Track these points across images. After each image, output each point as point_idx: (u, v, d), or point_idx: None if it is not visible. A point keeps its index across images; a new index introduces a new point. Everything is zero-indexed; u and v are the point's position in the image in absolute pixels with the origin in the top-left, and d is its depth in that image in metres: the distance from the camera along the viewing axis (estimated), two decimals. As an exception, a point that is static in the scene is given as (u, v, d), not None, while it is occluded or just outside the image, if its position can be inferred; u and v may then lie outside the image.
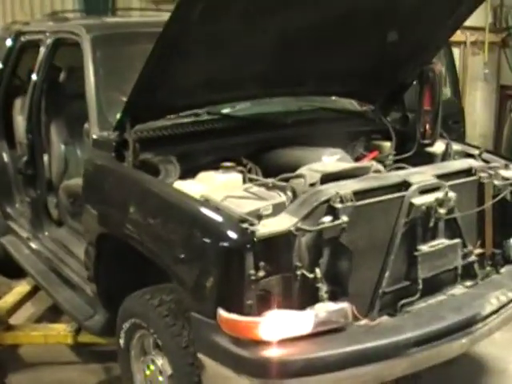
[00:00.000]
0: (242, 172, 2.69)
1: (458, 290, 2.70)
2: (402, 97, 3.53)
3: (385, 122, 3.42)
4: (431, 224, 2.51)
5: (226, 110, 3.42)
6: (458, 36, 5.93)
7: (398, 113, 3.60)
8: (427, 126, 3.28)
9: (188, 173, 2.85)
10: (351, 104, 3.76)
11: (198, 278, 2.28)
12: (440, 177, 2.64)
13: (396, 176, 2.57)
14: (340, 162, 2.94)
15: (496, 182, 2.84)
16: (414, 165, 3.23)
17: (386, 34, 3.17)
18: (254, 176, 2.74)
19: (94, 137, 3.07)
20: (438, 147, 3.29)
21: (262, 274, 2.17)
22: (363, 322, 2.33)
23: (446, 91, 5.17)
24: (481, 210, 2.79)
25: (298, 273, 2.23)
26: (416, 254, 2.50)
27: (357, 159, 3.23)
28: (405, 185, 2.52)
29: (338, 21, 2.87)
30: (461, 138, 5.04)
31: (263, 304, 2.20)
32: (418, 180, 2.53)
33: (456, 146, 3.31)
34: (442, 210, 2.48)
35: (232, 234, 2.16)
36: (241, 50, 2.76)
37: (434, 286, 2.62)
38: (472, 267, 2.77)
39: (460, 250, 2.66)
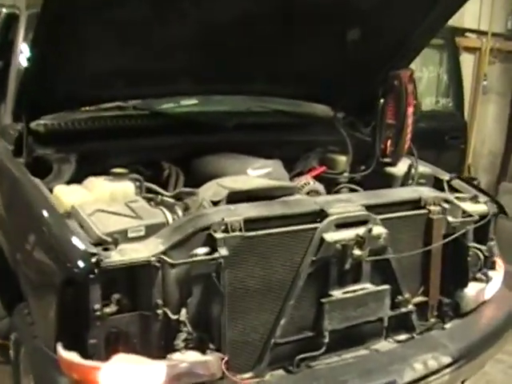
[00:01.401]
0: (137, 180, 2.29)
1: (385, 344, 2.23)
2: (375, 106, 3.04)
3: (341, 132, 2.94)
4: (348, 266, 2.05)
5: (166, 106, 3.03)
6: (474, 41, 5.33)
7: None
8: (388, 143, 2.80)
9: (98, 175, 2.49)
10: (322, 110, 3.29)
11: (41, 304, 1.90)
12: (374, 207, 2.17)
13: (312, 203, 2.11)
14: (268, 176, 2.50)
15: (450, 219, 2.35)
16: (370, 187, 2.78)
17: (345, 31, 2.71)
18: (154, 187, 2.32)
19: (2, 125, 2.73)
20: (401, 168, 2.80)
21: (112, 309, 1.78)
22: (238, 377, 1.89)
23: (447, 102, 4.61)
24: (427, 250, 2.31)
25: (159, 312, 1.82)
26: (323, 300, 2.04)
27: (298, 174, 2.78)
28: (321, 215, 2.06)
29: (278, 12, 2.43)
30: (459, 155, 4.49)
31: (114, 345, 1.80)
32: (337, 210, 2.07)
33: (423, 168, 2.82)
34: (359, 251, 2.01)
35: (74, 261, 1.75)
36: (156, 39, 2.36)
37: (352, 338, 2.16)
38: (408, 318, 2.29)
39: (388, 299, 2.19)
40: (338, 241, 2.01)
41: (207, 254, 1.85)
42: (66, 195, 2.14)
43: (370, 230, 2.04)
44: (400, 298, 2.25)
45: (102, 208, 1.99)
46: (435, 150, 4.61)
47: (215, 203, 2.20)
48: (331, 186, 2.80)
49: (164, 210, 2.05)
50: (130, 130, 2.71)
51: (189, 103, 3.12)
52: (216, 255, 1.83)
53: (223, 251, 1.84)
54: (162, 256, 1.80)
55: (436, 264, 2.34)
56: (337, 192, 2.69)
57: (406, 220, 2.26)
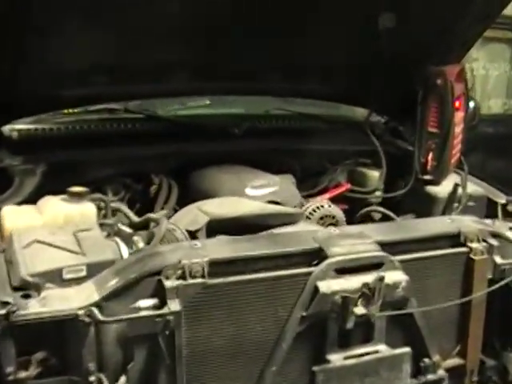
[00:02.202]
0: (101, 201, 1.88)
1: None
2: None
3: (373, 140, 2.42)
4: (351, 324, 1.55)
5: (170, 108, 2.62)
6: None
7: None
8: (430, 156, 2.26)
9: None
10: (356, 113, 2.78)
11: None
12: (393, 245, 1.66)
13: (309, 239, 1.61)
14: (273, 196, 2.03)
15: (499, 260, 1.80)
16: (407, 210, 2.27)
17: (377, 16, 2.19)
18: (125, 209, 1.91)
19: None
20: (445, 187, 2.26)
21: (31, 372, 1.38)
22: None
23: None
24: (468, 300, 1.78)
25: (92, 378, 1.40)
26: (316, 369, 1.56)
27: (318, 193, 2.29)
28: (319, 256, 1.58)
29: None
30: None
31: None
32: (341, 250, 1.57)
33: (474, 188, 2.27)
34: (365, 308, 1.51)
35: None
36: (135, 23, 1.95)
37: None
38: (438, 387, 1.77)
39: (409, 364, 1.67)
40: (336, 292, 1.52)
41: (155, 307, 1.41)
42: (10, 218, 1.75)
43: (381, 279, 1.53)
44: (427, 361, 1.73)
45: (42, 238, 1.60)
46: (504, 159, 3.99)
47: (192, 233, 1.77)
48: (358, 208, 2.30)
49: (119, 242, 1.63)
50: (118, 137, 2.32)
51: (199, 104, 2.69)
52: (164, 310, 1.39)
53: (174, 305, 1.40)
54: (93, 309, 1.38)
55: (478, 316, 1.80)
56: (364, 217, 2.18)
57: (438, 261, 1.74)
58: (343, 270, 1.56)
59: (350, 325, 1.54)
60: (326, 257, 1.56)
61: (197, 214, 1.79)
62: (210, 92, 2.57)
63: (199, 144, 2.34)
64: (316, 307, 1.53)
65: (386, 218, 2.20)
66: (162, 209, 2.15)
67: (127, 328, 1.41)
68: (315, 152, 2.51)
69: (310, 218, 2.02)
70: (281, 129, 2.56)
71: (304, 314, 1.53)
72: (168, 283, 1.41)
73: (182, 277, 1.44)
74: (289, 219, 1.82)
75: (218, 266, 1.48)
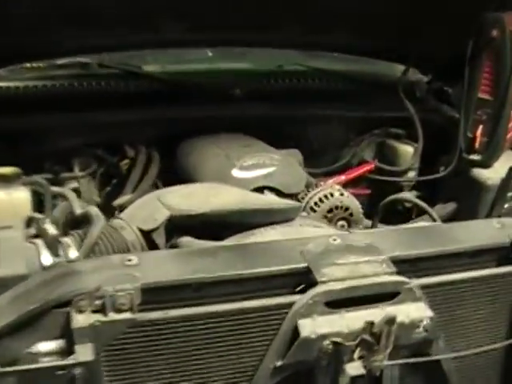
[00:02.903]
0: (39, 185, 1.46)
1: None
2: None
3: (406, 105, 1.90)
4: (345, 379, 1.10)
5: (163, 61, 2.16)
6: None
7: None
8: (479, 130, 1.73)
9: (37, 160, 1.73)
10: (391, 70, 2.24)
11: None
12: (415, 262, 1.19)
13: (295, 254, 1.14)
14: (268, 179, 1.57)
15: None
16: (448, 196, 1.78)
17: None
18: (69, 195, 1.48)
19: None
20: (498, 171, 1.75)
21: None
22: None
23: None
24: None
25: None
26: None
27: (337, 172, 1.81)
28: (306, 279, 1.12)
29: None
30: None
31: None
32: (334, 273, 1.11)
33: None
34: (361, 367, 1.06)
35: None
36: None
37: None
38: None
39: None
40: (325, 336, 1.07)
41: (60, 352, 1.00)
42: None
43: (391, 321, 1.07)
44: (458, 419, 1.27)
45: None
46: None
47: (146, 233, 1.33)
48: (384, 193, 1.82)
49: (41, 247, 1.21)
50: (89, 98, 1.89)
51: (197, 57, 2.22)
52: (69, 360, 0.98)
53: (84, 353, 0.98)
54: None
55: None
56: (388, 207, 1.69)
57: (478, 286, 1.25)
58: (338, 303, 1.10)
59: (344, 381, 1.09)
60: (314, 282, 1.10)
61: (156, 207, 1.35)
62: (210, 44, 2.10)
63: (190, 108, 1.90)
64: (296, 355, 1.08)
65: (418, 210, 1.72)
66: (135, 188, 1.73)
67: (26, 379, 1.00)
68: (336, 119, 2.03)
69: (314, 211, 1.55)
70: (295, 89, 2.06)
71: (279, 363, 1.09)
72: (78, 320, 0.99)
73: (102, 310, 1.02)
74: (279, 216, 1.36)
75: (156, 294, 1.05)
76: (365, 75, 2.14)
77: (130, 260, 1.10)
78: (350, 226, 1.57)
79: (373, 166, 1.79)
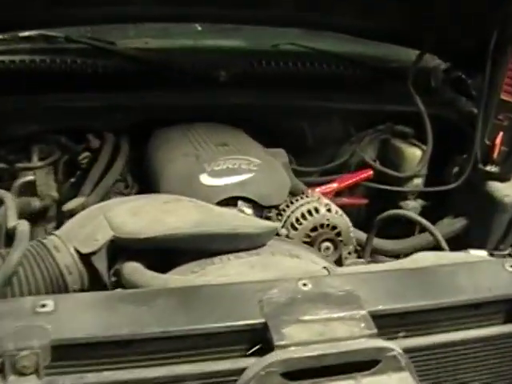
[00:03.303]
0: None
1: None
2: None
3: (416, 101, 1.64)
4: None
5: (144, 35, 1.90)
6: None
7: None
8: (499, 138, 1.47)
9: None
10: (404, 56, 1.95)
11: None
12: (403, 316, 0.95)
13: (251, 302, 0.92)
14: (242, 188, 1.33)
15: None
16: (458, 212, 1.54)
17: None
18: (7, 200, 1.26)
19: None
20: (518, 186, 1.49)
21: None
22: None
23: None
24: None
25: None
26: None
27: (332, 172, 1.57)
28: (262, 341, 0.89)
29: None
30: None
31: None
32: (298, 334, 0.88)
33: None
34: None
35: None
36: None
37: None
38: None
39: None
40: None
41: None
42: None
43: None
44: None
45: None
46: None
47: (84, 256, 1.11)
48: (385, 203, 1.58)
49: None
50: (52, 77, 1.65)
51: (184, 32, 1.95)
52: None
53: None
54: None
55: None
56: (386, 223, 1.44)
57: (481, 346, 1.01)
58: (300, 373, 0.87)
59: None
60: (270, 347, 0.87)
61: (99, 223, 1.12)
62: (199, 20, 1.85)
63: (168, 92, 1.66)
64: None
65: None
66: (96, 186, 1.50)
67: None
68: (336, 111, 1.77)
69: (296, 229, 1.32)
70: (289, 74, 1.80)
71: None
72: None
73: (1, 372, 0.80)
74: (245, 242, 1.13)
75: (71, 353, 0.83)
76: (373, 60, 1.86)
77: (43, 306, 0.88)
78: (336, 248, 1.33)
79: (370, 173, 1.54)
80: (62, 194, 1.62)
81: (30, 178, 1.58)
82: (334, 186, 1.49)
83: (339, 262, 1.34)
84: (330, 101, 1.72)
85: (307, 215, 1.32)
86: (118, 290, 1.03)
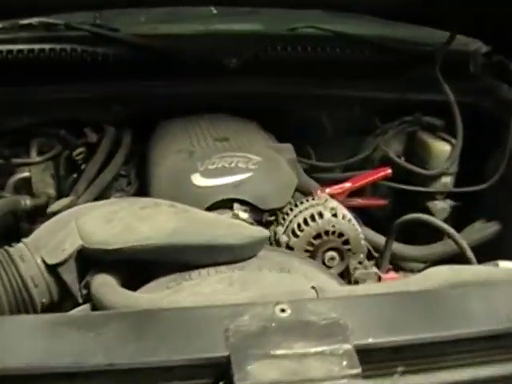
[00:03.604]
0: None
1: None
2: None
3: (444, 89, 1.45)
4: None
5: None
6: None
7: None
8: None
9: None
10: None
11: None
12: (398, 350, 0.80)
13: (216, 331, 0.78)
14: (237, 190, 1.19)
15: None
16: (490, 215, 1.36)
17: None
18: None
19: None
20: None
21: None
22: None
23: None
24: None
25: None
26: None
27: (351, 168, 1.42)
28: (225, 376, 0.76)
29: None
30: None
31: None
32: (268, 373, 0.74)
33: None
34: None
35: None
36: None
37: None
38: None
39: None
40: None
41: None
42: None
43: None
44: None
45: None
46: None
47: (51, 267, 1.00)
48: (411, 201, 1.41)
49: None
50: (49, 67, 1.55)
51: (197, 14, 1.82)
52: None
53: None
54: None
55: None
56: (405, 227, 1.28)
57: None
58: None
59: None
60: (231, 386, 0.74)
61: (69, 231, 1.01)
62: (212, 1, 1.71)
63: (173, 81, 1.54)
64: None
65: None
66: (90, 185, 1.40)
67: None
68: (357, 100, 1.60)
69: (297, 236, 1.17)
70: (307, 60, 1.64)
71: None
72: None
73: None
74: (227, 254, 0.99)
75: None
76: (401, 44, 1.67)
77: None
78: (343, 258, 1.18)
79: (389, 172, 1.37)
80: (64, 191, 1.54)
81: (26, 174, 1.50)
82: (347, 185, 1.34)
83: (346, 274, 1.19)
84: (352, 89, 1.56)
85: (310, 221, 1.17)
86: (73, 311, 0.92)
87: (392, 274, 1.36)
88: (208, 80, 1.53)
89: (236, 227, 1.04)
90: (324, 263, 1.17)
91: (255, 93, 1.54)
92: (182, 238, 0.97)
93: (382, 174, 1.36)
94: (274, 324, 0.80)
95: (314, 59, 1.63)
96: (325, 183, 1.42)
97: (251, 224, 1.17)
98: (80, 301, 1.02)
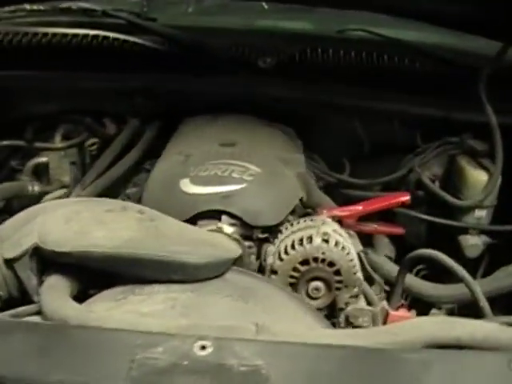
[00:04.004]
0: None
1: None
2: None
3: (486, 111, 1.27)
4: None
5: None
6: None
7: None
8: None
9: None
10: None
11: None
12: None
13: (117, 362, 0.70)
14: (228, 201, 1.10)
15: None
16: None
17: None
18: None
19: None
20: None
21: None
22: None
23: None
24: None
25: None
26: None
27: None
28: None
29: None
30: None
31: None
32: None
33: None
34: None
35: None
36: None
37: None
38: None
39: None
40: None
41: None
42: None
43: None
44: None
45: None
46: None
47: (9, 261, 0.97)
48: (440, 233, 1.27)
49: None
50: (81, 54, 1.53)
51: (251, 8, 1.74)
52: None
53: None
54: None
55: None
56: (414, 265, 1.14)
57: None
58: None
59: None
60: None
61: (31, 227, 0.97)
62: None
63: (198, 77, 1.46)
64: None
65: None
66: (97, 177, 1.36)
67: None
68: (398, 114, 1.45)
69: (281, 260, 1.06)
70: (349, 67, 1.51)
71: None
72: None
73: None
74: (178, 272, 0.90)
75: None
76: (459, 56, 1.50)
77: None
78: (330, 290, 1.06)
79: (407, 198, 1.21)
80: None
81: (43, 159, 1.49)
82: (358, 208, 1.20)
83: (334, 309, 1.07)
84: (392, 102, 1.41)
85: (297, 244, 1.06)
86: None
87: (402, 312, 1.23)
88: (237, 79, 1.44)
89: (202, 244, 0.96)
90: (308, 294, 1.06)
91: (287, 97, 1.44)
92: (133, 250, 0.90)
93: (398, 200, 1.21)
94: (186, 362, 0.71)
95: (355, 66, 1.50)
96: (354, 201, 1.30)
97: (236, 240, 1.08)
98: (36, 299, 0.98)
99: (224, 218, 1.11)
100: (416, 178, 1.41)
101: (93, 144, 1.47)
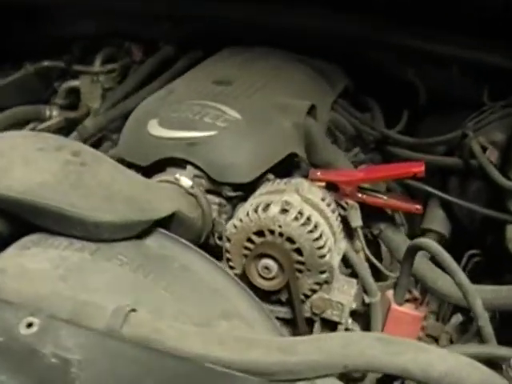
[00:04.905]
0: None
1: None
2: None
3: None
4: None
5: None
6: None
7: None
8: None
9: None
10: None
11: None
12: None
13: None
14: (191, 148, 0.94)
15: None
16: None
17: None
18: None
19: None
20: None
21: None
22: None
23: None
24: None
25: None
26: None
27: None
28: None
29: None
30: None
31: None
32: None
33: None
34: None
35: None
36: None
37: None
38: None
39: None
40: None
41: None
42: None
43: None
44: None
45: None
46: None
47: None
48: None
49: None
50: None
51: None
52: None
53: None
54: None
55: None
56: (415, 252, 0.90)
57: None
58: None
59: None
60: None
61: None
62: None
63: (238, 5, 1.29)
64: None
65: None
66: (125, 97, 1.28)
67: None
68: (459, 61, 1.16)
69: (235, 227, 0.89)
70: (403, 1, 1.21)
71: None
72: None
73: None
74: (77, 229, 0.78)
75: None
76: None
77: None
78: (283, 271, 0.87)
79: (421, 169, 0.95)
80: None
81: (75, 83, 1.44)
82: (360, 175, 0.97)
83: (295, 296, 0.89)
84: (448, 44, 1.12)
85: (251, 211, 0.88)
86: None
87: (407, 308, 1.01)
88: (269, 8, 1.24)
89: (124, 200, 0.82)
90: (258, 272, 0.89)
91: (325, 31, 1.22)
92: (34, 197, 0.79)
93: (409, 170, 0.95)
94: (2, 338, 0.61)
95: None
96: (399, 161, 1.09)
97: (194, 196, 0.93)
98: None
99: (189, 168, 0.97)
100: (470, 143, 1.13)
101: (109, 71, 1.38)
